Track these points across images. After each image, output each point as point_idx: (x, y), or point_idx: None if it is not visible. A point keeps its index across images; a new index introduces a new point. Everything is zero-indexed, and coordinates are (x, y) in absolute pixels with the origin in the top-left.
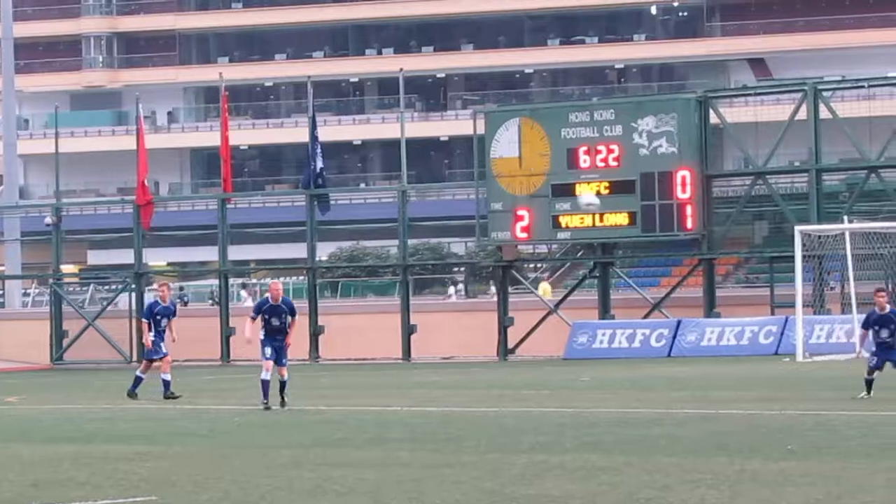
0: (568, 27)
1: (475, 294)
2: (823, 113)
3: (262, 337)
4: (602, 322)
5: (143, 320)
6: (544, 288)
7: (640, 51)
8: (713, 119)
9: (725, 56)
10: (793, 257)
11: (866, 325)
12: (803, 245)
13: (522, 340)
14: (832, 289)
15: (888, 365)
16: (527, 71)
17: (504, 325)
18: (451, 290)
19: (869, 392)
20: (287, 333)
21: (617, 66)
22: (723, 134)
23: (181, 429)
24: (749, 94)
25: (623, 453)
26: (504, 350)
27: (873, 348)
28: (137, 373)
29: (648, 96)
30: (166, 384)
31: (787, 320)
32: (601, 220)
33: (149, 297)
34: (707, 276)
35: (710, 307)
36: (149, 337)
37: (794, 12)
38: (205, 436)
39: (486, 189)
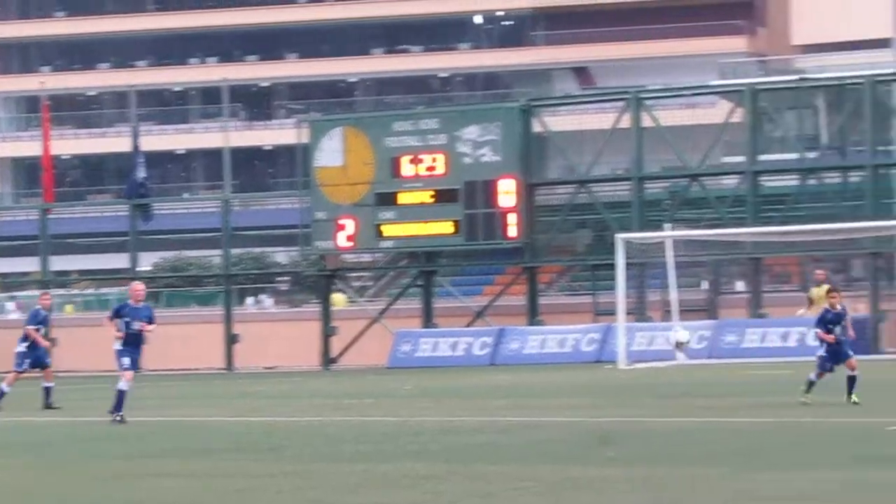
0: (392, 36)
1: (299, 304)
2: (646, 121)
3: (118, 347)
4: (425, 331)
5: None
6: (336, 299)
7: (465, 60)
8: (537, 128)
9: (549, 65)
10: (615, 265)
11: (822, 324)
12: (626, 253)
13: (346, 349)
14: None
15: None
16: (351, 80)
17: (327, 334)
18: (265, 298)
19: (808, 391)
20: (143, 341)
21: (441, 76)
22: (547, 142)
23: (4, 441)
24: (573, 103)
25: (446, 461)
26: (327, 359)
27: (822, 352)
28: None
29: (472, 105)
30: (48, 392)
31: (609, 328)
32: (425, 228)
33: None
34: (530, 284)
35: (533, 315)
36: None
37: (617, 21)
38: (27, 448)
39: (310, 198)
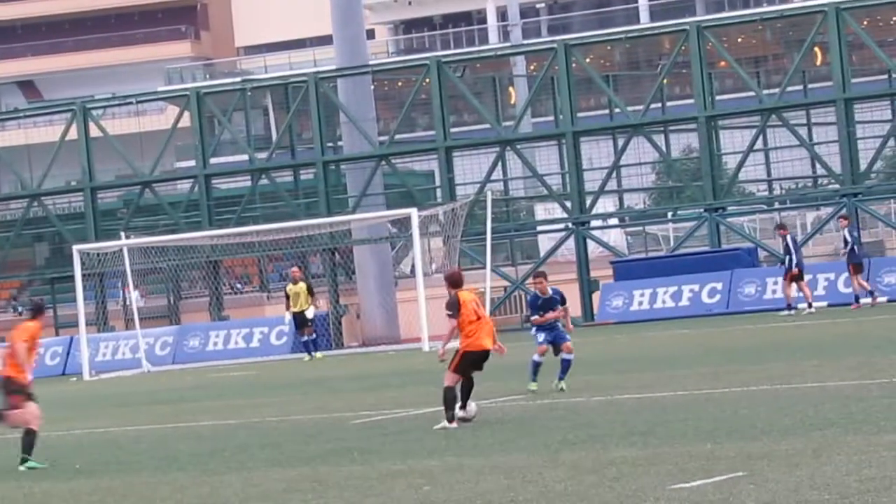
0: None
1: None
2: (95, 131)
3: None
4: None
5: None
6: None
7: None
8: None
9: None
10: (74, 277)
11: (534, 310)
12: (83, 264)
13: None
14: (118, 304)
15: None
16: None
17: None
18: None
19: (535, 378)
20: None
21: None
22: None
23: None
24: (19, 117)
25: None
26: None
27: (539, 335)
28: None
29: None
30: None
31: (72, 340)
32: None
33: None
34: None
35: None
36: None
37: (61, 33)
38: None
39: None
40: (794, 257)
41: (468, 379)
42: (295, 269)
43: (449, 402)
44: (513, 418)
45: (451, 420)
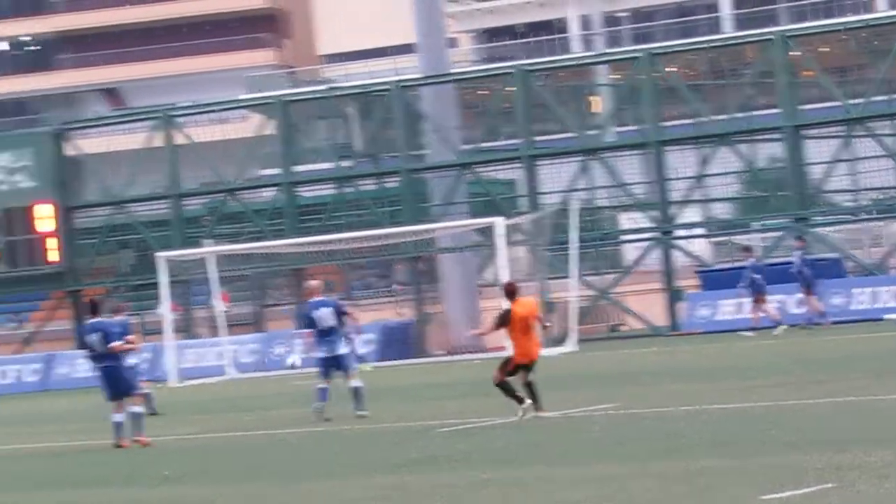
0: None
1: None
2: (179, 139)
3: None
4: None
5: None
6: None
7: None
8: (70, 151)
9: (78, 88)
10: (158, 284)
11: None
12: (168, 271)
13: None
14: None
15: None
16: None
17: None
18: None
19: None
20: None
21: None
22: (82, 165)
23: None
24: (104, 125)
25: None
26: None
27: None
28: None
29: (3, 132)
30: None
31: (158, 347)
32: None
33: None
34: (75, 308)
35: (81, 339)
36: None
37: (144, 40)
38: None
39: None
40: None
41: (527, 384)
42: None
43: (509, 392)
44: (601, 428)
45: (521, 401)
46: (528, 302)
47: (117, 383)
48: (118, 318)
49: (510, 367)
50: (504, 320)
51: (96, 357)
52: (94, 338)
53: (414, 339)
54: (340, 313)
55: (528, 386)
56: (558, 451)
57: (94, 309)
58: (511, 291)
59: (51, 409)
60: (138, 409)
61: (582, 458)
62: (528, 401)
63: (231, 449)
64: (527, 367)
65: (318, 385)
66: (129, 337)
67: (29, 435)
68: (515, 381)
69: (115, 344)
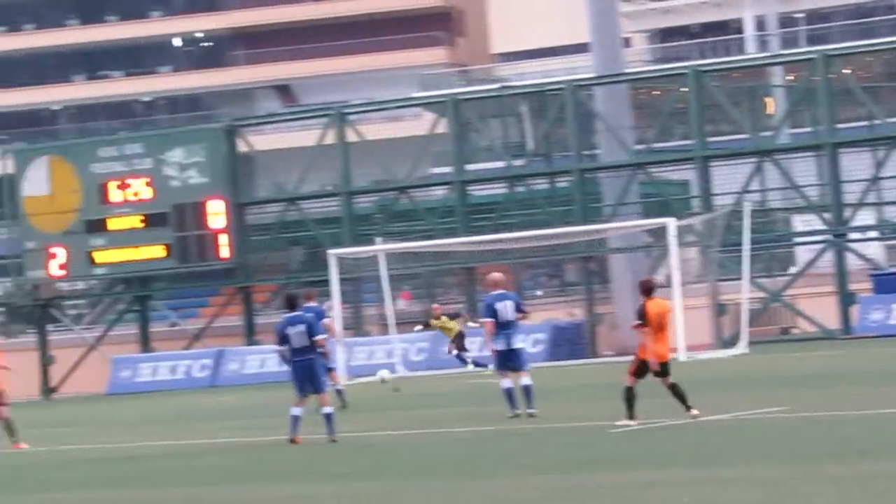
0: (92, 62)
1: (14, 334)
2: (351, 136)
3: None
4: (144, 356)
5: None
6: None
7: (166, 83)
8: (243, 147)
9: (251, 84)
10: (329, 281)
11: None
12: (339, 268)
13: (65, 378)
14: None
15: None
16: (53, 108)
17: (44, 363)
18: None
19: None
20: None
21: (144, 100)
22: (253, 162)
23: None
24: (277, 121)
25: (165, 485)
26: (46, 389)
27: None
28: None
29: (176, 128)
30: None
31: (328, 343)
32: (137, 253)
33: None
34: (245, 304)
35: (250, 335)
36: None
37: (317, 38)
38: None
39: (19, 228)
40: None
41: (672, 386)
42: (436, 305)
43: (629, 401)
44: (773, 430)
45: (631, 417)
46: (662, 302)
47: (311, 378)
48: (312, 303)
49: (638, 365)
50: (640, 315)
51: (296, 350)
52: (297, 329)
53: (584, 339)
54: (520, 310)
55: (672, 388)
56: (727, 453)
57: (293, 304)
58: (647, 289)
59: (220, 405)
60: (329, 409)
61: (752, 460)
62: (635, 421)
63: (402, 446)
64: (657, 370)
65: (502, 385)
66: (326, 321)
67: (198, 431)
68: (659, 385)
69: (320, 338)
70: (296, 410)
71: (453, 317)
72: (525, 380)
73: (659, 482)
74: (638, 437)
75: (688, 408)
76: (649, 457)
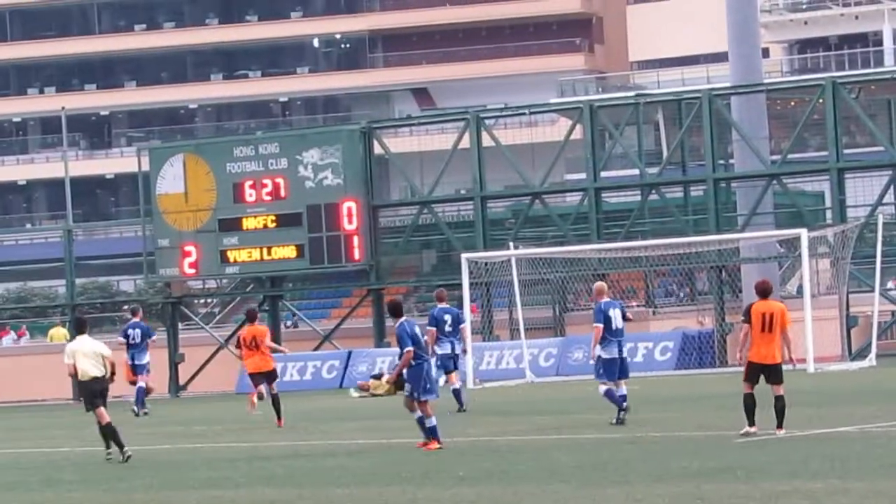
0: (231, 62)
1: None
2: (487, 141)
3: None
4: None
5: None
6: (55, 334)
7: (304, 83)
8: (378, 149)
9: (389, 86)
10: (461, 285)
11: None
12: (470, 272)
13: (194, 376)
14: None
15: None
16: (191, 106)
17: (175, 361)
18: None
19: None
20: None
21: (281, 100)
22: (388, 164)
23: None
24: (413, 124)
25: (296, 486)
26: (175, 386)
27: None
28: None
29: (313, 129)
30: None
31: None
32: (269, 253)
33: None
34: (376, 306)
35: (380, 337)
36: None
37: (455, 42)
38: None
39: (153, 226)
40: None
41: (777, 398)
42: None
43: (748, 409)
44: None
45: (752, 425)
46: (771, 303)
47: (429, 380)
48: (443, 304)
49: (746, 369)
50: (745, 313)
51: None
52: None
53: (713, 348)
54: (625, 318)
55: (777, 400)
56: (854, 465)
57: (398, 311)
58: (762, 290)
59: (346, 407)
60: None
61: (878, 473)
62: (755, 429)
63: (528, 451)
64: (765, 372)
65: (606, 389)
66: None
67: (324, 433)
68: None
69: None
70: (430, 420)
71: None
72: (625, 388)
73: (785, 493)
74: (762, 446)
75: (779, 425)
76: (775, 467)
